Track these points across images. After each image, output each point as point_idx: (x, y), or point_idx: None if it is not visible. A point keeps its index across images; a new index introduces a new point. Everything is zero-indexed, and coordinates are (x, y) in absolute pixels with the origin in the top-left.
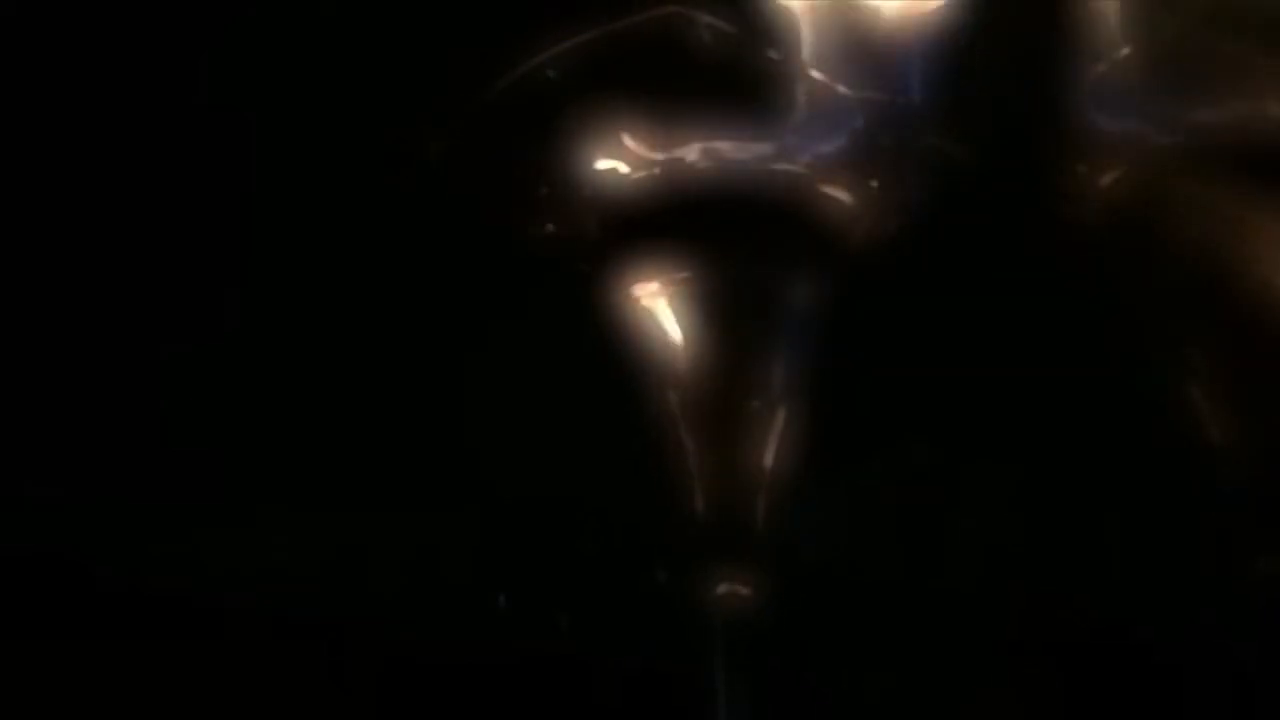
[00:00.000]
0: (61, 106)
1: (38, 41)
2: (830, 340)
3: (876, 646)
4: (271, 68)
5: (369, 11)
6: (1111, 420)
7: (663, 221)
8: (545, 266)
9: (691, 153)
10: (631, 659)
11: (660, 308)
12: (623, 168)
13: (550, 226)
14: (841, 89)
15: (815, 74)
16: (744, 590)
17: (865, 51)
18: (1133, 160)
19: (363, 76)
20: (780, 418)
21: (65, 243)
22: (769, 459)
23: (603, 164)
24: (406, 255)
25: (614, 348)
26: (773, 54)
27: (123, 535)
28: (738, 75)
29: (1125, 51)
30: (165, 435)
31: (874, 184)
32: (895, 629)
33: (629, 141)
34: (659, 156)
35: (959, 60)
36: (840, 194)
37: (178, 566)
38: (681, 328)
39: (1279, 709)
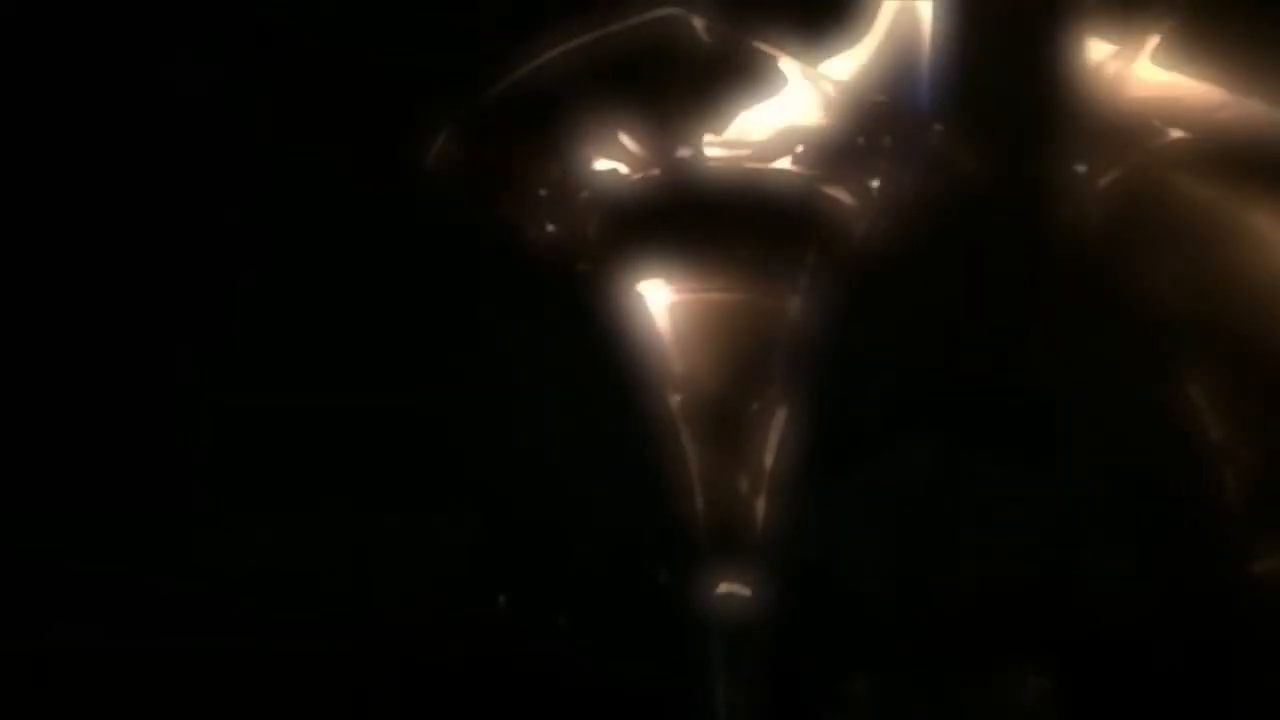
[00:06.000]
0: (62, 109)
1: (36, 45)
2: (830, 340)
3: (876, 646)
4: (271, 69)
5: (369, 12)
6: (1111, 420)
7: (663, 222)
8: (545, 267)
9: (691, 153)
10: (632, 658)
11: (660, 308)
12: (623, 168)
13: (550, 227)
14: (843, 90)
15: (816, 75)
16: (744, 591)
17: (866, 53)
18: (1133, 160)
19: (363, 77)
20: (780, 418)
21: (63, 252)
22: (769, 459)
23: (603, 164)
24: (406, 256)
25: (614, 348)
26: (772, 55)
27: (124, 536)
28: (737, 76)
29: (1127, 52)
30: (170, 438)
31: (874, 184)
32: (895, 629)
33: (629, 142)
34: (659, 156)
35: (960, 62)
36: (840, 194)
37: (178, 567)
38: (681, 328)
39: (1278, 709)
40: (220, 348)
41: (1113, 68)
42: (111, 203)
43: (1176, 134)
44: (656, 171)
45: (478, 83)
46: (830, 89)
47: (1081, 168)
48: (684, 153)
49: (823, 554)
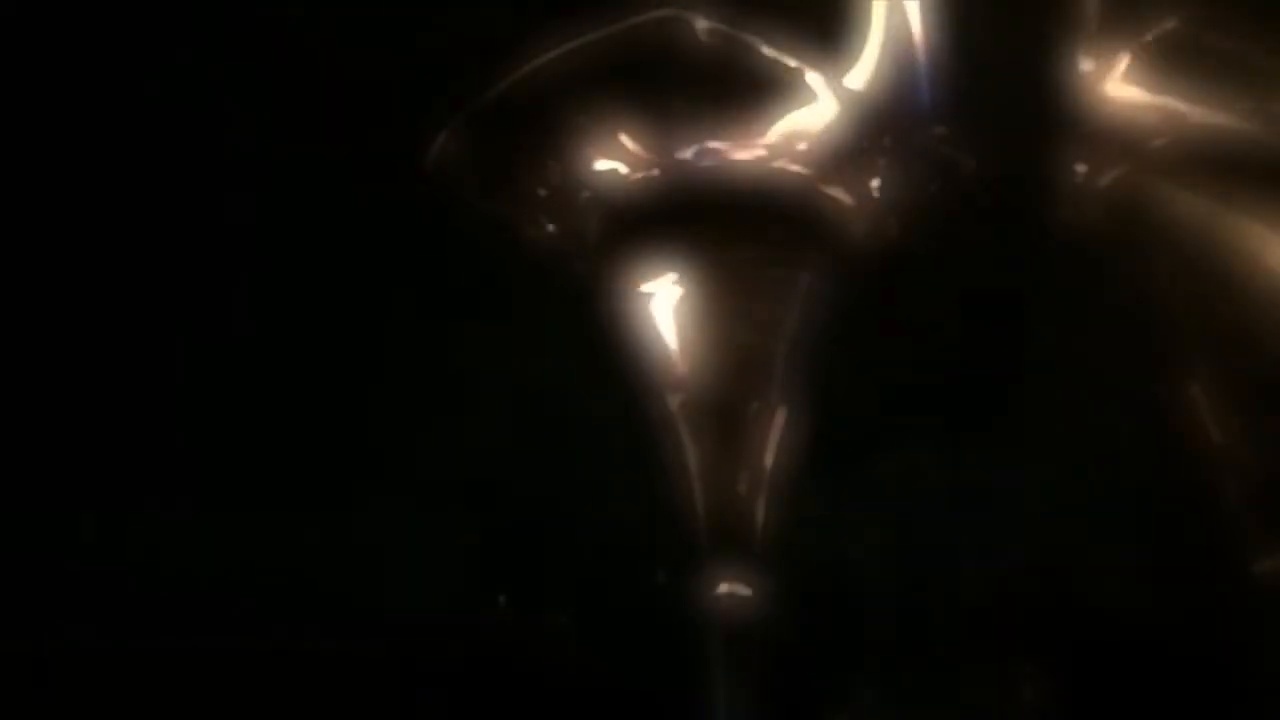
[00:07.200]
0: (61, 108)
1: (35, 44)
2: (831, 340)
3: (876, 646)
4: (272, 68)
5: (369, 12)
6: (1112, 420)
7: (663, 222)
8: (545, 267)
9: (691, 153)
10: (632, 658)
11: (660, 308)
12: (623, 168)
13: (550, 227)
14: (843, 89)
15: (816, 75)
16: (744, 591)
17: (866, 53)
18: (1133, 160)
19: (363, 77)
20: (780, 418)
21: (62, 251)
22: (769, 459)
23: (603, 164)
24: (406, 256)
25: (614, 348)
26: (772, 55)
27: (124, 536)
28: (736, 76)
29: (1125, 52)
30: (170, 438)
31: (874, 184)
32: (895, 629)
33: (629, 142)
34: (659, 156)
35: (960, 61)
36: (840, 194)
37: (178, 567)
38: (681, 328)
39: (1278, 709)
40: (220, 348)
41: (1112, 69)
42: (110, 203)
43: (1176, 136)
44: (656, 172)
45: (478, 83)
46: (830, 89)
47: (1081, 168)
48: (684, 153)
49: (822, 553)
